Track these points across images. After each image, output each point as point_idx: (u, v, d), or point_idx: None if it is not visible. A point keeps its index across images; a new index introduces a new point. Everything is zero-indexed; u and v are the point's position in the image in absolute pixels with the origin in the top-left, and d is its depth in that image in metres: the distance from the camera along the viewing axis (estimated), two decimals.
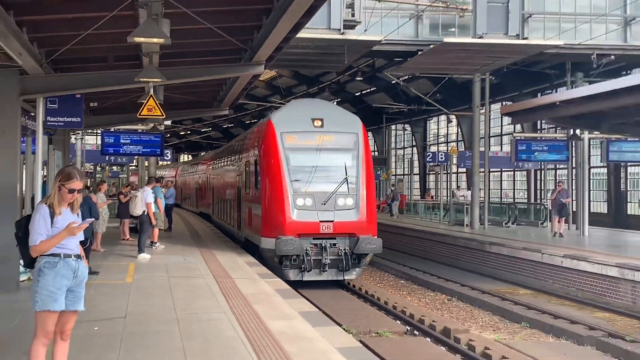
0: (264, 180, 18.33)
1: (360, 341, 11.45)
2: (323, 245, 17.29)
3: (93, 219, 7.93)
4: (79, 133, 31.08)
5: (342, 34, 23.64)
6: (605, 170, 36.42)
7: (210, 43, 14.10)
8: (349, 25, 23.89)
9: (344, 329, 12.04)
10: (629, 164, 33.14)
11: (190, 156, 77.93)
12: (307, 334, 9.22)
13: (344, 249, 17.38)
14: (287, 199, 17.37)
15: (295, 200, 17.40)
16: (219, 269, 15.70)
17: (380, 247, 17.89)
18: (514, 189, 44.28)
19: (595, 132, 26.19)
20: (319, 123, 18.45)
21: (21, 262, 7.09)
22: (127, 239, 21.61)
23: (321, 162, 18.08)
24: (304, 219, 17.33)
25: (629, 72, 30.04)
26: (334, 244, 17.43)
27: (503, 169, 42.39)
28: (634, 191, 36.02)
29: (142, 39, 10.27)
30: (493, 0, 24.12)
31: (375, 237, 17.87)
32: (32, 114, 15.23)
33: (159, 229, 19.89)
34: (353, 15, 23.96)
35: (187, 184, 47.34)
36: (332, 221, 17.36)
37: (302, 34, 16.97)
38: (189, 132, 61.98)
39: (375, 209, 18.64)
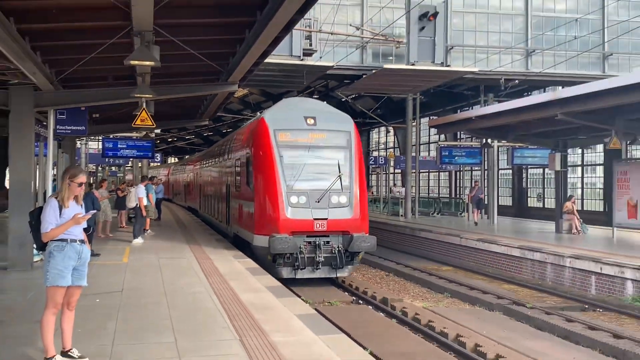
0: (257, 177, 15.20)
1: (315, 309, 11.44)
2: (317, 243, 14.33)
3: (95, 211, 7.86)
4: (83, 139, 30.60)
5: (302, 60, 23.72)
6: (510, 171, 37.06)
7: (193, 66, 13.97)
8: (307, 53, 24.00)
9: (302, 300, 12.05)
10: (529, 166, 33.81)
11: (176, 159, 77.00)
12: (272, 304, 9.20)
13: (337, 247, 14.44)
14: (280, 196, 14.33)
15: (289, 198, 14.35)
16: (200, 251, 15.56)
17: (375, 245, 14.89)
18: (438, 186, 44.78)
19: (503, 141, 26.59)
20: (312, 121, 15.31)
21: (34, 246, 6.99)
22: (123, 227, 21.33)
23: (314, 160, 14.97)
24: (298, 217, 14.32)
25: (529, 93, 30.59)
26: (328, 242, 14.46)
27: (430, 170, 42.85)
28: (533, 188, 36.76)
29: (136, 62, 10.16)
30: (422, 35, 24.37)
31: (368, 234, 15.00)
32: (44, 123, 15.08)
33: (150, 219, 19.67)
34: (310, 45, 24.08)
35: (178, 182, 45.45)
36: (326, 219, 14.37)
37: (269, 60, 16.92)
38: (175, 138, 61.27)
39: (367, 206, 15.72)
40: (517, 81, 27.05)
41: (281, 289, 10.68)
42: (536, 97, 21.72)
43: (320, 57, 24.34)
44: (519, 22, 27.13)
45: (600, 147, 29.37)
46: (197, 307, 8.90)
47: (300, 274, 14.41)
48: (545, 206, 33.96)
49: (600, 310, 13.42)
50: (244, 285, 10.77)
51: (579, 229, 21.84)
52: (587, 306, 13.74)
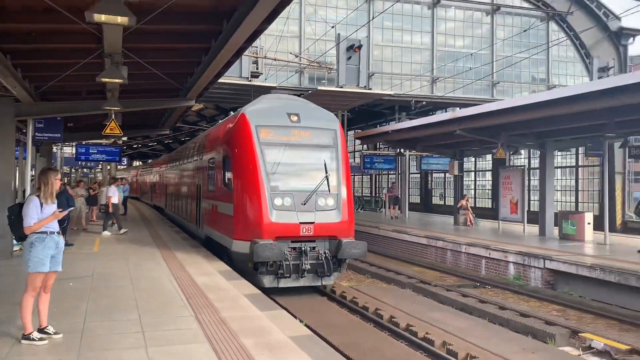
0: (237, 177, 11.80)
1: (260, 289, 11.37)
2: (303, 249, 11.25)
3: (73, 207, 7.63)
4: (59, 145, 29.34)
5: (250, 80, 23.56)
6: (419, 175, 37.91)
7: (156, 83, 13.65)
8: (255, 75, 23.85)
9: (249, 282, 11.92)
10: (433, 171, 34.69)
11: (140, 162, 74.76)
12: (224, 286, 9.10)
13: (324, 253, 11.41)
14: (264, 198, 11.08)
15: (273, 200, 11.14)
16: (161, 242, 15.20)
17: (365, 251, 11.74)
18: (362, 187, 45.30)
19: (413, 151, 27.17)
20: (295, 118, 12.08)
21: (14, 237, 6.70)
22: (94, 221, 20.61)
23: (299, 159, 11.86)
24: (283, 221, 11.10)
25: (434, 112, 31.38)
26: (314, 248, 11.41)
27: (355, 174, 43.23)
28: (436, 189, 37.74)
29: (106, 80, 9.85)
30: (349, 63, 24.59)
31: (354, 239, 11.89)
32: (24, 131, 14.52)
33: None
34: (257, 68, 23.93)
35: (145, 182, 42.48)
36: (313, 223, 11.25)
37: (222, 80, 16.74)
38: (140, 145, 59.61)
39: (353, 209, 12.42)
40: (424, 102, 27.72)
41: (231, 273, 10.55)
42: (439, 116, 22.32)
43: (265, 79, 24.22)
44: (426, 55, 27.80)
45: (489, 157, 30.39)
46: (158, 288, 8.69)
47: (284, 283, 11.31)
48: (446, 203, 34.90)
49: (489, 287, 13.87)
50: (199, 269, 10.60)
51: (472, 222, 22.55)
52: (478, 284, 14.15)
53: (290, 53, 25.13)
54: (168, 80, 12.50)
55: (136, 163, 76.71)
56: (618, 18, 28.45)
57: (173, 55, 11.76)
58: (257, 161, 11.37)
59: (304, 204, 11.31)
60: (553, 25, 29.11)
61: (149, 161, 58.98)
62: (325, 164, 11.81)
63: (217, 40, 9.96)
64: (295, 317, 8.32)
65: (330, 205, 11.59)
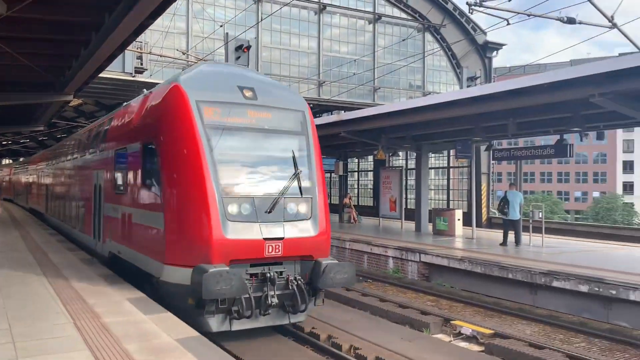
0: (171, 173, 8.05)
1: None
2: (268, 275, 7.89)
3: None
4: None
5: (134, 76, 22.52)
6: None
7: (29, 75, 12.57)
8: (139, 70, 22.84)
9: (133, 286, 11.35)
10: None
11: (11, 160, 68.20)
12: (105, 290, 8.59)
13: (295, 280, 8.09)
14: (213, 204, 7.57)
15: (227, 208, 7.66)
16: (35, 245, 13.99)
17: (354, 276, 8.53)
18: None
19: None
20: (250, 93, 8.53)
21: None
22: None
23: (259, 150, 8.37)
24: (240, 236, 7.65)
25: (321, 115, 32.02)
26: (281, 273, 8.07)
27: None
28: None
29: None
30: (238, 63, 24.34)
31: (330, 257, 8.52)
32: None
33: None
34: (141, 64, 22.94)
35: (20, 181, 36.39)
36: (282, 238, 7.94)
37: (104, 74, 15.83)
38: (10, 141, 54.45)
39: (329, 217, 8.88)
40: (311, 105, 28.19)
41: (114, 277, 9.97)
42: (326, 119, 22.83)
43: (151, 75, 23.25)
44: (313, 59, 28.31)
45: (371, 158, 31.64)
46: (31, 295, 7.99)
47: (239, 325, 7.86)
48: (332, 202, 35.81)
49: (371, 280, 14.45)
50: (77, 274, 9.90)
51: (355, 219, 23.35)
52: (361, 278, 14.58)
53: (177, 50, 24.33)
54: (43, 74, 11.57)
55: (6, 161, 70.09)
56: (484, 33, 30.98)
57: (48, 47, 10.91)
58: (202, 151, 7.79)
59: (269, 212, 8.02)
60: (428, 36, 31.01)
61: (21, 159, 54.01)
62: (294, 157, 8.62)
63: (99, 33, 9.40)
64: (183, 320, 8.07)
65: (303, 213, 8.38)
